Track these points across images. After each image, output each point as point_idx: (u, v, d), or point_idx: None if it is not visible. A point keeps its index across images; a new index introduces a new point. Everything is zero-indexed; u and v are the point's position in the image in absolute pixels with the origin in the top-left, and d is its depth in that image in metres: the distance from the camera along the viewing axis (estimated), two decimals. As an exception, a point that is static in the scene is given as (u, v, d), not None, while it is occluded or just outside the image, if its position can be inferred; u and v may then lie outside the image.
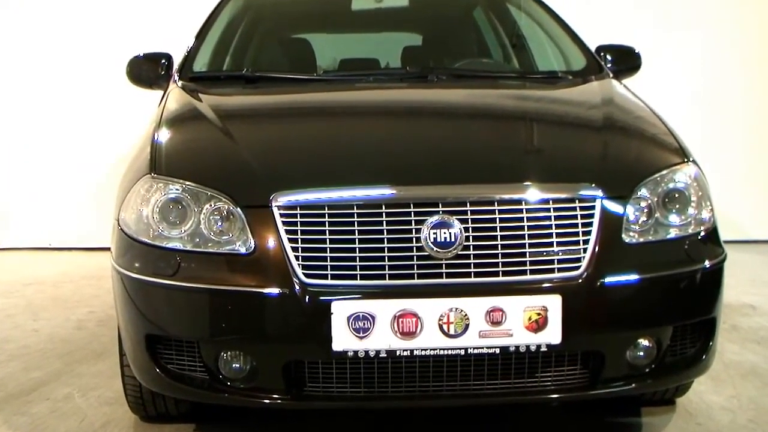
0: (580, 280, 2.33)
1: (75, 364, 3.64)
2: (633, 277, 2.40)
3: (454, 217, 2.32)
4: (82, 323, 4.33)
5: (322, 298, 2.29)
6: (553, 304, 2.31)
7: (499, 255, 2.31)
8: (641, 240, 2.45)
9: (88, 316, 4.47)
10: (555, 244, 2.34)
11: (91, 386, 3.33)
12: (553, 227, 2.35)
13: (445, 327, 2.29)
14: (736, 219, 6.05)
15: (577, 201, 2.39)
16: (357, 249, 2.30)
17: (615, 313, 2.40)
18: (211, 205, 2.43)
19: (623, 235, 2.41)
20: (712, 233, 2.57)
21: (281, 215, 2.34)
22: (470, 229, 2.32)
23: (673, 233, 2.51)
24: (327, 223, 2.32)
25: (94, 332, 4.15)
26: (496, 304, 2.29)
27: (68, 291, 5.11)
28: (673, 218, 2.51)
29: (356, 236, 2.31)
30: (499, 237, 2.32)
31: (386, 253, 2.30)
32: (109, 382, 3.31)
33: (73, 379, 3.43)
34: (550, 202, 2.37)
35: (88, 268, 5.68)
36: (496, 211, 2.34)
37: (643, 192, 2.49)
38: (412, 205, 2.33)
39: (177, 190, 2.47)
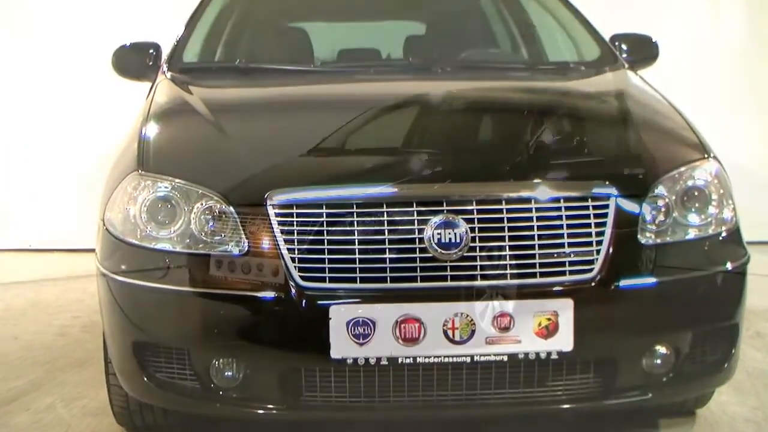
0: (592, 284, 2.34)
1: (57, 372, 3.64)
2: (649, 280, 2.40)
3: (460, 216, 2.32)
4: (65, 329, 4.33)
5: (319, 302, 2.30)
6: (565, 308, 2.31)
7: (507, 257, 2.32)
8: (658, 241, 2.45)
9: (71, 321, 4.48)
10: (566, 245, 2.35)
11: (75, 396, 3.34)
12: (565, 227, 2.35)
13: (449, 333, 2.30)
14: (760, 219, 6.03)
15: (589, 200, 2.39)
16: (356, 250, 2.31)
17: (630, 318, 2.41)
18: (201, 204, 2.43)
19: (639, 236, 2.42)
20: (735, 234, 2.57)
21: (276, 215, 2.35)
22: (476, 229, 2.32)
23: (692, 234, 2.51)
24: (325, 222, 2.33)
25: (77, 339, 4.15)
26: (503, 309, 2.30)
27: (50, 295, 5.12)
28: (693, 218, 2.52)
29: (356, 237, 2.32)
30: (507, 238, 2.32)
31: (387, 255, 2.31)
32: (93, 392, 3.31)
33: (55, 389, 3.43)
34: (561, 200, 2.38)
35: (72, 271, 5.68)
36: (504, 211, 2.34)
37: (661, 190, 2.49)
38: (414, 204, 2.34)
39: (166, 188, 2.47)
